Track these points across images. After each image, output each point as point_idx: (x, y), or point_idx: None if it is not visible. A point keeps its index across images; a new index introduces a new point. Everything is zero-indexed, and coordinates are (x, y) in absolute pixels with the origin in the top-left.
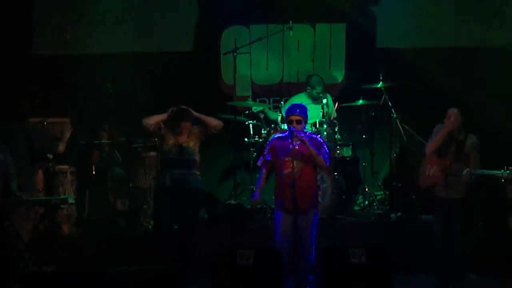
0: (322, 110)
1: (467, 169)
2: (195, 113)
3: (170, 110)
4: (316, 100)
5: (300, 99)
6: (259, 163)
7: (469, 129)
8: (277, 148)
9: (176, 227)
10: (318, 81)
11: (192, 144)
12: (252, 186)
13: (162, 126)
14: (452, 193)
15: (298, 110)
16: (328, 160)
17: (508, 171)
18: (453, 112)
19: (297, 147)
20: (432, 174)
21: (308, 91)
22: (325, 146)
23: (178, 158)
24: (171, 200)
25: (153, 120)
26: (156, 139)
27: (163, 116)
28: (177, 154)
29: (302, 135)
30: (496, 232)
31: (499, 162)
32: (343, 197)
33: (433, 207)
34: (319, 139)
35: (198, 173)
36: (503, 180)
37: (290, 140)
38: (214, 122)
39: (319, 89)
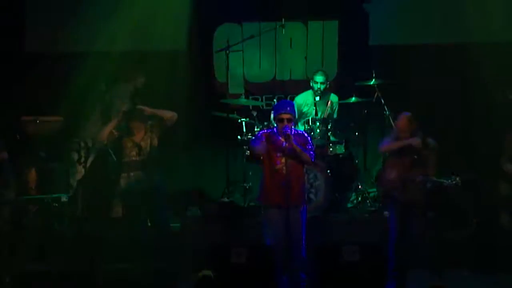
0: (315, 108)
1: (421, 176)
2: (149, 110)
3: (120, 113)
4: (316, 94)
5: (306, 96)
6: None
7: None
8: (270, 142)
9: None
10: (319, 76)
11: (150, 141)
12: (245, 184)
13: (115, 132)
14: (409, 197)
15: (288, 108)
16: (314, 156)
17: (455, 180)
18: (403, 116)
19: (287, 144)
20: (392, 178)
21: (312, 85)
22: (311, 143)
23: (137, 159)
24: (137, 202)
25: (104, 133)
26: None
27: (113, 123)
28: (136, 156)
29: (288, 131)
30: (489, 229)
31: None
32: (336, 194)
33: (390, 205)
34: (305, 135)
35: (157, 170)
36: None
37: (280, 138)
38: (167, 114)
39: (319, 81)
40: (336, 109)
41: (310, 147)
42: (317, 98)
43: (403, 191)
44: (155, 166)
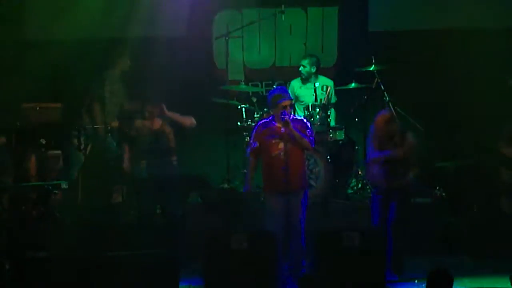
0: (315, 94)
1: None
2: (169, 114)
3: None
4: (306, 80)
5: (295, 83)
6: (248, 153)
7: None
8: (263, 133)
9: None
10: (309, 61)
11: (167, 130)
12: (245, 170)
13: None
14: (393, 185)
15: (288, 95)
16: (313, 142)
17: (439, 191)
18: (380, 117)
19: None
20: (375, 172)
21: (300, 69)
22: (310, 128)
23: (154, 147)
24: (150, 190)
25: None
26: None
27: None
28: (152, 143)
29: (287, 117)
30: (490, 215)
31: None
32: (336, 180)
33: (375, 192)
34: (304, 121)
35: (174, 160)
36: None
37: (276, 124)
38: (187, 121)
39: (308, 68)
40: (332, 93)
41: (309, 132)
42: (317, 84)
43: (386, 183)
44: (170, 155)
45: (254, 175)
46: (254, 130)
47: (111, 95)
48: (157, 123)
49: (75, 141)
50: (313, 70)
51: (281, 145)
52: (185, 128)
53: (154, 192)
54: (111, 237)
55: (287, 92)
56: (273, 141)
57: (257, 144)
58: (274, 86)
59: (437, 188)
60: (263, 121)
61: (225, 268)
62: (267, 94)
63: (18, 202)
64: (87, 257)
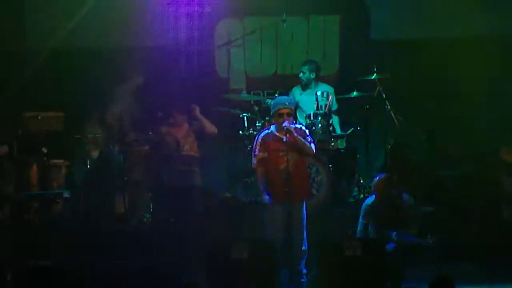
0: (316, 102)
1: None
2: (197, 113)
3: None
4: (306, 86)
5: (295, 90)
6: (254, 165)
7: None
8: (269, 145)
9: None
10: (309, 67)
11: (191, 139)
12: (246, 179)
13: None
14: None
15: (287, 103)
16: (315, 147)
17: (431, 240)
18: (378, 179)
19: (288, 139)
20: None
21: (299, 75)
22: (310, 136)
23: (177, 154)
24: (169, 197)
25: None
26: (151, 133)
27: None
28: (175, 151)
29: (287, 124)
30: (491, 223)
31: None
32: (338, 189)
33: None
34: (303, 128)
35: (197, 169)
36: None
37: (278, 133)
38: (210, 126)
39: (307, 74)
40: (333, 100)
41: (310, 139)
42: (319, 93)
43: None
44: (193, 165)
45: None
46: (259, 141)
47: (123, 109)
48: (184, 129)
49: (77, 150)
50: (313, 76)
51: (286, 158)
52: (206, 135)
53: (173, 199)
54: (113, 246)
55: (290, 100)
56: (280, 154)
57: (265, 155)
58: (276, 95)
59: (429, 236)
60: (265, 131)
61: (226, 277)
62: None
63: (20, 211)
64: (89, 266)
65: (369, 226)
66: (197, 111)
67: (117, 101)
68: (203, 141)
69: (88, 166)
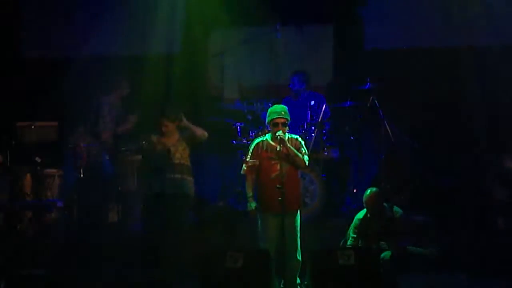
0: (309, 112)
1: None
2: (185, 122)
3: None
4: (296, 96)
5: (287, 99)
6: (243, 171)
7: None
8: (262, 153)
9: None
10: (298, 78)
11: (181, 148)
12: (240, 188)
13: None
14: None
15: (283, 113)
16: (307, 160)
17: (429, 250)
18: (368, 195)
19: (281, 149)
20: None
21: (289, 86)
22: (304, 147)
23: (168, 162)
24: (161, 206)
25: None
26: (144, 142)
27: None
28: (167, 159)
29: (281, 134)
30: (486, 232)
31: None
32: (332, 198)
33: None
34: (299, 139)
35: (189, 178)
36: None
37: (272, 142)
38: (199, 131)
39: (297, 85)
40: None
41: (304, 151)
42: (312, 103)
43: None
44: (185, 173)
45: (254, 193)
46: (251, 149)
47: (111, 118)
48: (174, 138)
49: (71, 159)
50: (303, 86)
51: (279, 167)
52: (197, 139)
53: (164, 208)
54: (106, 255)
55: (285, 110)
56: (272, 163)
57: (257, 162)
58: (270, 104)
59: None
60: (259, 140)
61: (220, 286)
62: (263, 112)
63: (14, 220)
64: (82, 275)
65: (359, 241)
66: (183, 119)
67: (108, 110)
68: (195, 148)
69: (82, 176)
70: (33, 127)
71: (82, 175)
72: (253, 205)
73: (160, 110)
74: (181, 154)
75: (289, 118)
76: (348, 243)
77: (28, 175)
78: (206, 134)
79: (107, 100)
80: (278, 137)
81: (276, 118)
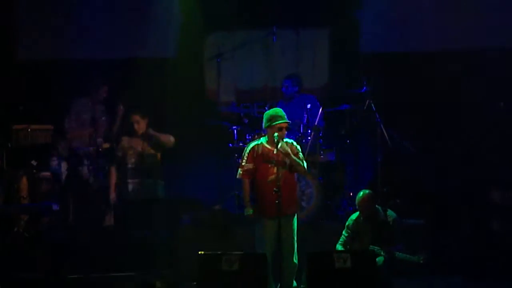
0: (306, 115)
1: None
2: (151, 132)
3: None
4: (290, 99)
5: (280, 103)
6: (239, 176)
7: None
8: (259, 157)
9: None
10: (291, 81)
11: (152, 152)
12: (237, 192)
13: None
14: None
15: (286, 116)
16: (306, 165)
17: (417, 256)
18: (361, 196)
19: (279, 153)
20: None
21: (282, 89)
22: (300, 151)
23: (139, 167)
24: (136, 211)
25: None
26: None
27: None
28: (137, 164)
29: (280, 139)
30: (482, 235)
31: None
32: (328, 202)
33: None
34: (295, 144)
35: (161, 181)
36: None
37: (269, 147)
38: (164, 138)
39: (290, 88)
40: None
41: (301, 156)
42: (309, 106)
43: None
44: (156, 176)
45: (251, 198)
46: (247, 152)
47: (77, 119)
48: (139, 143)
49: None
50: (295, 89)
51: (275, 170)
52: (164, 146)
53: (140, 213)
54: (101, 258)
55: (283, 113)
56: (269, 166)
57: (253, 166)
58: (266, 108)
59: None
60: (254, 143)
61: None
62: (259, 115)
63: (9, 223)
64: (78, 278)
65: (351, 241)
66: (150, 131)
67: (76, 112)
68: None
69: (77, 179)
70: (29, 130)
71: (77, 178)
72: (250, 211)
73: (129, 107)
74: (152, 157)
75: (289, 122)
76: (339, 241)
77: (24, 178)
78: (172, 139)
79: (79, 102)
80: (283, 150)
81: (282, 122)
